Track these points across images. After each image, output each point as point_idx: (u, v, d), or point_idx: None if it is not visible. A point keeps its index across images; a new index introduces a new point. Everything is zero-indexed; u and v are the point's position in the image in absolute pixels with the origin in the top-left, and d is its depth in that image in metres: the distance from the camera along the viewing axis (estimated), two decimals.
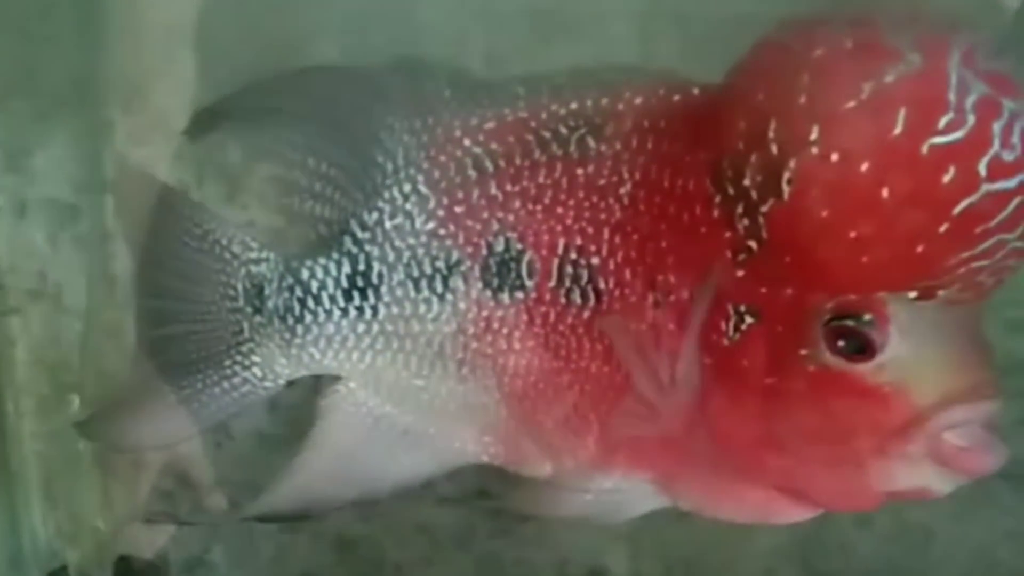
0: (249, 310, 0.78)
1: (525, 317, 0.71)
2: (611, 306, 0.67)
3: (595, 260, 0.68)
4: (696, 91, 0.66)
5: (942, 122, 0.55)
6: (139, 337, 0.79)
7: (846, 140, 0.56)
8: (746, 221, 0.61)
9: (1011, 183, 0.55)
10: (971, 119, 0.55)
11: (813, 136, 0.57)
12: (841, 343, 0.60)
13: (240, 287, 0.78)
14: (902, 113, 0.55)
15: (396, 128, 0.75)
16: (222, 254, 0.78)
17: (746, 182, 0.60)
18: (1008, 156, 0.55)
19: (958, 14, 0.59)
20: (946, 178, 0.55)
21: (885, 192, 0.56)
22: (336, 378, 0.77)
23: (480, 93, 0.72)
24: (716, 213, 0.63)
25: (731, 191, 0.61)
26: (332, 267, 0.76)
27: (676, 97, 0.66)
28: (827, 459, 0.63)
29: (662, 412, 0.66)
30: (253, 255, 0.78)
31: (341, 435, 0.78)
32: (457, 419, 0.75)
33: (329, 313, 0.76)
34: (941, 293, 0.59)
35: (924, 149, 0.55)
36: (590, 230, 0.68)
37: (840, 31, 0.58)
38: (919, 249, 0.57)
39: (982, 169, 0.55)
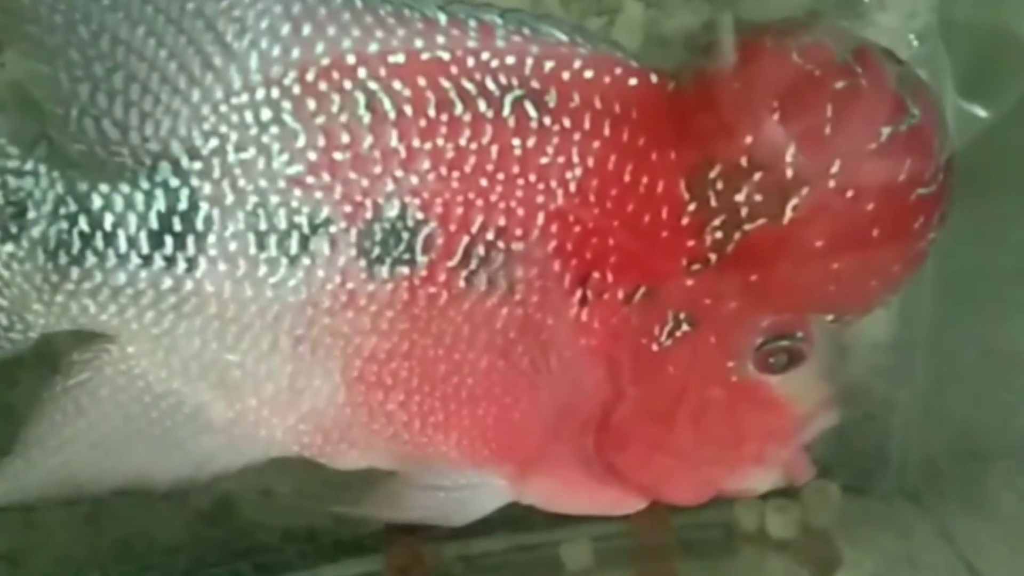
0: None
1: (405, 296, 0.60)
2: (526, 296, 0.60)
3: (518, 246, 0.59)
4: (655, 78, 0.60)
5: (928, 173, 0.59)
6: None
7: (861, 179, 0.57)
8: (719, 234, 0.59)
9: (937, 233, 0.61)
10: (941, 175, 0.59)
11: (834, 170, 0.57)
12: (772, 360, 0.62)
13: None
14: (907, 163, 0.58)
15: (251, 25, 0.57)
16: None
17: (739, 197, 0.58)
18: (945, 208, 0.61)
19: None
20: (917, 224, 0.59)
21: (876, 231, 0.58)
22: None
23: (384, 9, 0.57)
24: (685, 220, 0.59)
25: (714, 202, 0.58)
26: (139, 199, 0.57)
27: (634, 80, 0.59)
28: (708, 461, 0.64)
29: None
30: (13, 164, 0.57)
31: (103, 409, 0.60)
32: (270, 403, 0.61)
33: (123, 258, 0.57)
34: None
35: (912, 196, 0.59)
36: (520, 212, 0.59)
37: (848, 62, 0.58)
38: (873, 283, 0.61)
39: (936, 220, 0.60)
